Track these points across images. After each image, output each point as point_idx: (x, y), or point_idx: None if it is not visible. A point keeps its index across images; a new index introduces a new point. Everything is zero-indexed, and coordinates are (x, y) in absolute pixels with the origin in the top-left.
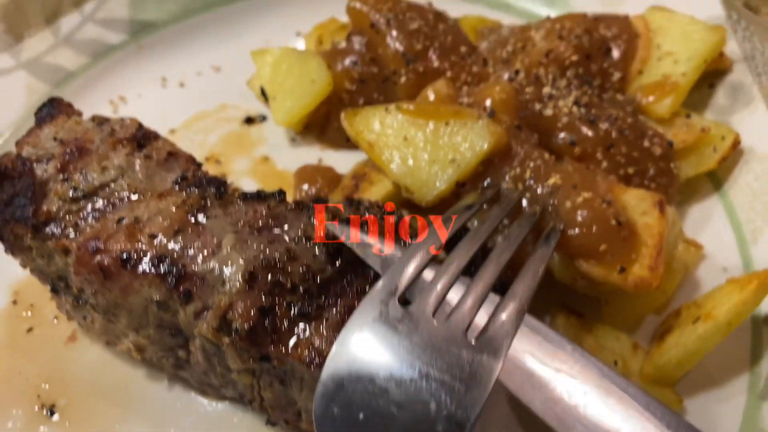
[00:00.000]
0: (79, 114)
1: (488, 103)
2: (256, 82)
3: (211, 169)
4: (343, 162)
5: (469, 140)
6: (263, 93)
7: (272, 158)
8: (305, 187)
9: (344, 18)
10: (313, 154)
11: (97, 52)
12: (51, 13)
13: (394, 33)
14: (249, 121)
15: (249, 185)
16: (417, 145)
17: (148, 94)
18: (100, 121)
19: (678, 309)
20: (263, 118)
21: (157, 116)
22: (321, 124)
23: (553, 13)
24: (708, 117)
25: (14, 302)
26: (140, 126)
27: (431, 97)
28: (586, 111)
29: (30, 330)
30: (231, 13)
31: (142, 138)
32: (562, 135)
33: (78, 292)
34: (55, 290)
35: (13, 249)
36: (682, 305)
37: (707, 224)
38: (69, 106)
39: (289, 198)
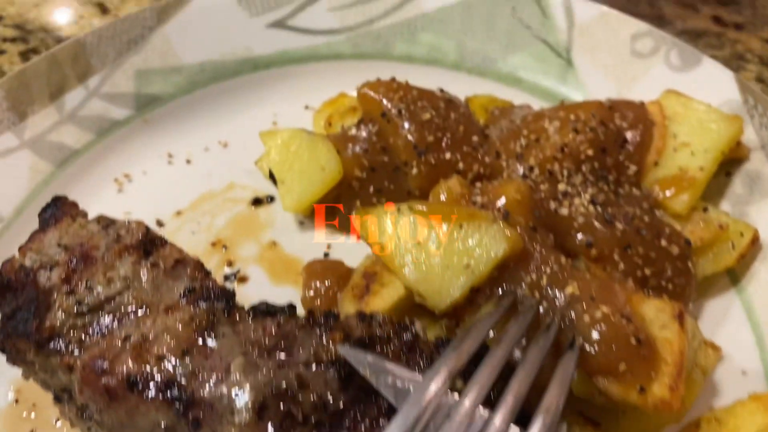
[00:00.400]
0: (84, 215)
1: (503, 201)
2: (265, 163)
3: (218, 256)
4: (352, 250)
5: (484, 245)
6: (272, 176)
7: (280, 243)
8: (315, 284)
9: (353, 92)
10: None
11: (102, 129)
12: (56, 88)
13: (406, 125)
14: (257, 202)
15: (256, 273)
16: (430, 250)
17: (153, 172)
18: (105, 223)
19: (697, 420)
20: (271, 199)
21: (164, 196)
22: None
23: (564, 89)
24: (724, 207)
25: (16, 401)
26: (147, 230)
27: (444, 195)
28: (602, 210)
29: None
30: (238, 86)
31: (148, 244)
32: (578, 236)
33: (82, 407)
34: (58, 399)
35: (15, 361)
36: (702, 417)
37: (724, 321)
38: (74, 206)
39: (299, 295)
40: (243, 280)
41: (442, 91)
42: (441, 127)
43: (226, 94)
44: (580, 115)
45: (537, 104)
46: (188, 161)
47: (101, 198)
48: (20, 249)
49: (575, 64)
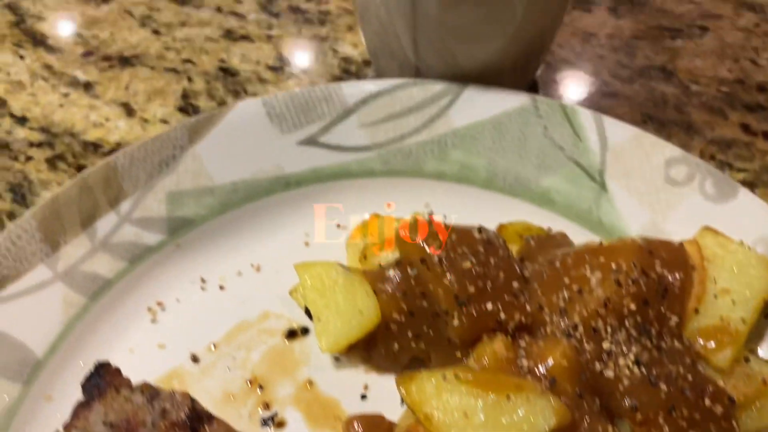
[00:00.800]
0: (128, 384)
1: (549, 364)
2: (300, 295)
3: (254, 397)
4: (390, 391)
5: (532, 419)
6: (307, 311)
7: (316, 382)
8: None
9: (385, 211)
10: (358, 378)
11: (135, 255)
12: (87, 215)
13: (447, 274)
14: (291, 334)
15: (294, 417)
16: (477, 422)
17: (187, 299)
18: (150, 395)
19: None
20: (305, 331)
21: (198, 326)
22: (366, 344)
23: (599, 213)
24: (765, 350)
25: None
26: (192, 404)
27: (489, 359)
28: (646, 371)
29: None
30: (269, 205)
31: (195, 420)
32: (624, 400)
33: None
34: None
35: None
36: None
37: None
38: (117, 374)
39: None
40: (281, 425)
41: (480, 231)
42: (482, 275)
43: (258, 214)
44: (621, 264)
45: (572, 229)
46: (221, 287)
47: (135, 330)
48: (65, 428)
49: (609, 188)
